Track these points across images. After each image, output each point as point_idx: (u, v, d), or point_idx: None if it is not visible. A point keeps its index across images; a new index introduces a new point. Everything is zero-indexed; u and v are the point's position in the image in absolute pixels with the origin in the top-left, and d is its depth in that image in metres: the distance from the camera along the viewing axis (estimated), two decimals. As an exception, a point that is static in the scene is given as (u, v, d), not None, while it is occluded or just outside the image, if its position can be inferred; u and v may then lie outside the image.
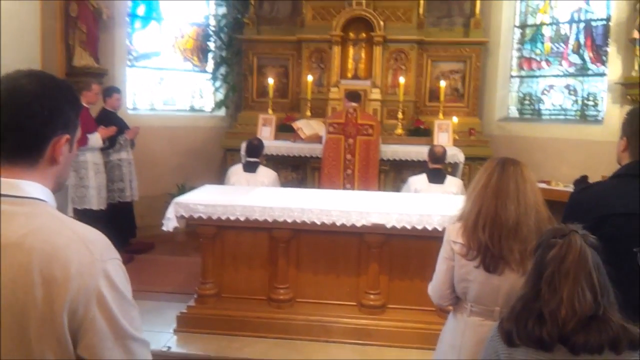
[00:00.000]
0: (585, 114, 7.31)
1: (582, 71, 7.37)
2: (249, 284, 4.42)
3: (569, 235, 1.64)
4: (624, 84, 6.44)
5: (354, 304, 4.35)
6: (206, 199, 4.39)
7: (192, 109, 8.61)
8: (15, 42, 5.59)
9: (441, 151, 5.46)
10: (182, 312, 4.41)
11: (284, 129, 7.34)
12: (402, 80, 7.20)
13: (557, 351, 1.60)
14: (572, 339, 1.58)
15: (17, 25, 5.66)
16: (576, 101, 7.42)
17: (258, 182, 5.46)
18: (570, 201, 2.38)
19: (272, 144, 6.83)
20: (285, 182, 6.77)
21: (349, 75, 7.60)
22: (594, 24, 7.23)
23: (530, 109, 7.89)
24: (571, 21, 7.45)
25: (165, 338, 4.24)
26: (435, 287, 2.48)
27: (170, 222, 4.31)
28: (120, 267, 1.25)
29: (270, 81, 7.53)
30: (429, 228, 4.07)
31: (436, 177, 5.35)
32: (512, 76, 8.00)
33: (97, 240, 1.24)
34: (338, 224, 4.15)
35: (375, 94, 7.31)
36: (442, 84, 7.32)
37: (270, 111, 7.47)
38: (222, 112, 8.49)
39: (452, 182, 5.45)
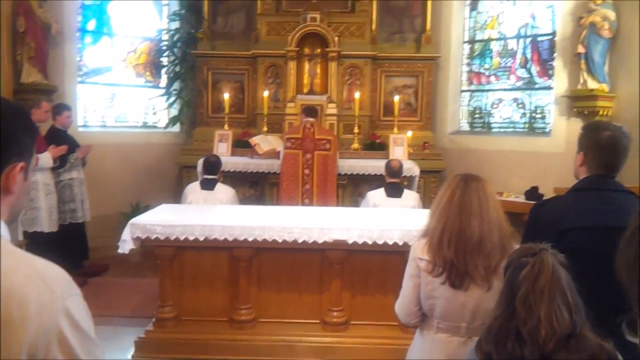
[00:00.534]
0: (533, 127, 7.56)
1: (530, 85, 7.62)
2: (210, 305, 4.34)
3: (540, 254, 1.64)
4: (570, 97, 6.68)
5: (317, 321, 4.34)
6: (164, 219, 4.30)
7: (145, 126, 8.44)
8: (-42, 58, 5.37)
9: (398, 165, 5.54)
10: (140, 337, 4.29)
11: (241, 145, 7.28)
12: (357, 95, 7.29)
13: None
14: (553, 358, 1.58)
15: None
16: (524, 114, 7.66)
17: (216, 199, 5.39)
18: (530, 216, 2.44)
19: (229, 160, 6.77)
20: (243, 199, 6.70)
21: (305, 90, 7.63)
22: (540, 38, 7.50)
23: (480, 122, 8.11)
24: (518, 36, 7.72)
25: (124, 364, 4.12)
26: (402, 305, 2.49)
27: (126, 245, 4.20)
28: (81, 303, 1.19)
29: (226, 96, 7.47)
30: (390, 243, 4.11)
31: (394, 191, 5.41)
32: (462, 90, 8.21)
33: (56, 276, 1.17)
34: (300, 241, 4.13)
35: (332, 109, 7.36)
36: (396, 98, 7.44)
37: (226, 127, 7.40)
38: (176, 128, 8.36)
39: (410, 196, 5.53)
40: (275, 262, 4.33)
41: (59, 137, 6.04)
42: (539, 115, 7.51)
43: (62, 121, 6.22)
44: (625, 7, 6.22)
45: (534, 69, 7.56)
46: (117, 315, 5.04)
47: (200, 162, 6.01)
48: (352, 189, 7.02)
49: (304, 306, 4.33)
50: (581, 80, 6.46)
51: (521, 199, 6.43)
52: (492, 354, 1.66)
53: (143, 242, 4.32)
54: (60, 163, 5.96)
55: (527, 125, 7.64)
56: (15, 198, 1.26)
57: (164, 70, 8.42)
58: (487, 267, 2.25)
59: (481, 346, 1.71)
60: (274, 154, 6.81)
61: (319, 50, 7.57)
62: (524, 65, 7.66)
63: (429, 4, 7.63)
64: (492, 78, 8.00)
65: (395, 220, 4.42)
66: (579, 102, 6.56)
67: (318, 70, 7.65)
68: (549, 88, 7.31)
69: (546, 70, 7.42)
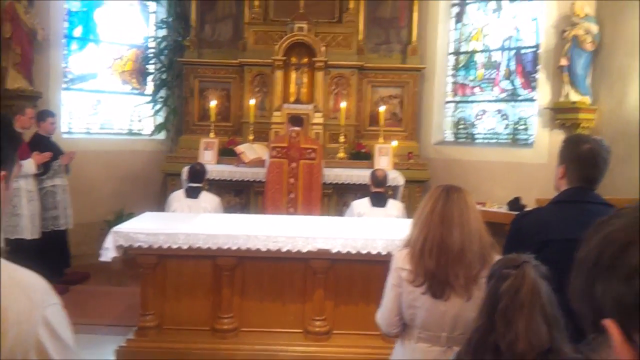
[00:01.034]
0: (516, 138, 7.64)
1: (513, 97, 7.71)
2: (192, 314, 4.31)
3: (522, 266, 1.64)
4: (553, 109, 6.77)
5: (300, 331, 4.33)
6: (147, 228, 4.27)
7: (130, 133, 8.40)
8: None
9: (382, 175, 5.57)
10: (121, 346, 4.25)
11: (227, 153, 7.27)
12: (343, 104, 7.32)
13: None
14: None
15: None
16: (508, 125, 7.74)
17: (200, 207, 5.37)
18: (512, 227, 2.47)
19: (215, 169, 6.75)
20: (228, 207, 6.68)
21: (292, 99, 7.65)
22: (523, 51, 7.60)
23: (464, 133, 8.18)
24: (502, 48, 7.82)
25: (104, 374, 4.07)
26: (384, 315, 2.50)
27: (108, 253, 4.17)
28: (60, 312, 1.19)
29: (212, 104, 7.46)
30: (373, 252, 4.12)
31: (378, 200, 5.43)
32: (447, 101, 8.28)
33: (35, 285, 1.16)
34: (284, 250, 4.13)
35: (318, 118, 7.38)
36: (382, 108, 7.48)
37: (212, 135, 7.39)
38: (162, 135, 8.33)
39: (394, 205, 5.55)
40: (259, 271, 4.32)
41: (43, 143, 5.99)
42: (522, 127, 7.59)
43: (46, 128, 6.17)
44: (608, 21, 6.33)
45: (518, 81, 7.66)
46: (99, 323, 4.98)
47: (185, 170, 5.99)
48: (337, 198, 7.03)
49: (287, 315, 4.32)
50: (564, 93, 6.55)
51: (504, 209, 6.48)
52: None
53: (125, 250, 4.29)
54: (44, 170, 5.90)
55: (510, 137, 7.72)
56: None
57: (150, 78, 8.39)
58: (467, 277, 2.27)
59: (460, 358, 1.72)
60: (259, 163, 6.81)
61: (305, 60, 7.60)
62: (508, 77, 7.75)
63: (415, 15, 7.72)
64: (477, 89, 8.08)
65: (379, 230, 4.44)
66: (561, 114, 6.65)
67: (305, 80, 7.68)
68: (532, 100, 7.40)
69: (529, 82, 7.51)
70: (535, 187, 6.17)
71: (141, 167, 7.86)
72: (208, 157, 7.11)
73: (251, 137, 7.33)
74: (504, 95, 7.81)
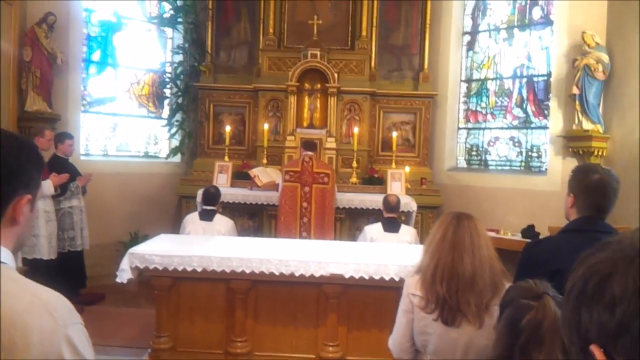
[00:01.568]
0: (529, 165, 7.66)
1: (526, 124, 7.75)
2: (206, 337, 4.34)
3: (543, 298, 1.62)
4: (566, 137, 6.80)
5: (313, 356, 4.33)
6: (162, 250, 4.34)
7: (147, 155, 8.54)
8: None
9: (395, 200, 5.60)
10: (135, 367, 4.29)
11: (240, 177, 7.37)
12: (356, 130, 7.42)
13: None
14: None
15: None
16: (520, 153, 7.78)
17: (214, 230, 5.43)
18: (522, 255, 2.50)
19: (229, 192, 6.84)
20: (241, 230, 6.75)
21: (305, 124, 7.76)
22: (535, 79, 7.67)
23: (477, 159, 8.21)
24: (514, 76, 7.89)
25: (117, 395, 4.10)
26: (395, 341, 2.53)
27: (124, 274, 4.23)
28: (82, 332, 1.23)
29: (227, 129, 7.60)
30: (386, 278, 4.14)
31: (391, 226, 5.46)
32: (459, 128, 8.34)
33: (59, 305, 1.22)
34: (297, 274, 4.17)
35: (331, 143, 7.47)
36: (394, 134, 7.57)
37: (226, 158, 7.50)
38: (177, 158, 8.44)
39: (407, 231, 5.58)
40: (272, 295, 4.36)
41: (61, 165, 6.11)
42: (535, 154, 7.62)
43: (64, 149, 6.30)
44: (618, 50, 6.39)
45: (530, 109, 7.71)
46: (113, 344, 5.02)
47: (200, 192, 6.08)
48: (349, 223, 7.07)
49: (300, 340, 4.34)
50: (576, 121, 6.58)
51: (518, 237, 6.47)
52: None
53: (141, 271, 4.36)
54: (61, 191, 6.01)
55: (523, 164, 7.74)
56: (21, 228, 1.31)
57: (166, 102, 8.56)
58: (478, 305, 2.30)
59: None
60: (273, 186, 6.88)
61: (318, 86, 7.72)
62: (520, 104, 7.81)
63: (427, 43, 7.84)
64: (489, 116, 8.14)
65: (392, 255, 4.46)
66: (574, 142, 6.67)
67: (318, 105, 7.79)
68: (544, 127, 7.44)
69: (542, 110, 7.56)
70: (549, 215, 6.17)
71: (156, 189, 7.97)
72: (222, 180, 7.21)
73: (265, 161, 7.43)
74: (516, 122, 7.86)
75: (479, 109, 8.23)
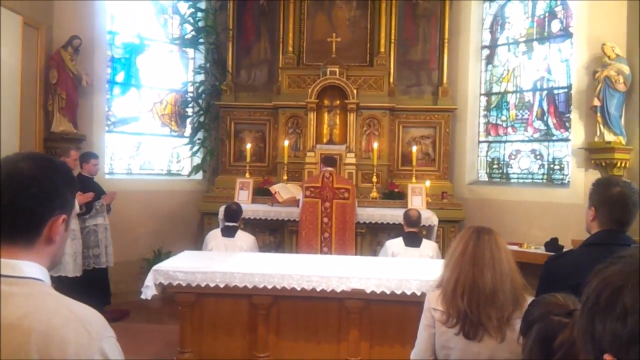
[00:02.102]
0: (551, 178, 7.59)
1: (547, 137, 7.71)
2: (229, 352, 4.37)
3: (574, 315, 1.55)
4: (588, 149, 6.73)
5: (335, 371, 4.34)
6: (185, 266, 4.40)
7: (169, 173, 8.67)
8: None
9: (416, 215, 5.60)
10: (160, 383, 4.33)
11: (261, 193, 7.44)
12: (375, 145, 7.45)
13: None
14: None
15: (-3, 91, 5.74)
16: (542, 165, 7.72)
17: (236, 246, 5.49)
18: (544, 270, 2.49)
19: (250, 208, 6.89)
20: (262, 246, 6.79)
21: (325, 140, 7.82)
22: (556, 92, 7.63)
23: (498, 172, 8.17)
24: (534, 89, 7.86)
25: (142, 410, 4.15)
26: (417, 355, 2.53)
27: (149, 290, 4.29)
28: (115, 345, 1.29)
29: (248, 146, 7.70)
30: (408, 293, 4.14)
31: (412, 240, 5.45)
32: (480, 141, 8.32)
33: (93, 319, 1.27)
34: (318, 289, 4.19)
35: (350, 159, 7.51)
36: (414, 148, 7.59)
37: (247, 175, 7.59)
38: (199, 176, 8.56)
39: (428, 246, 5.56)
40: (294, 311, 4.38)
41: (86, 184, 6.23)
42: (557, 167, 7.56)
43: (89, 169, 6.43)
44: (639, 62, 6.34)
45: (551, 121, 7.66)
46: (137, 360, 5.08)
47: (222, 209, 6.15)
48: (370, 238, 7.07)
49: (322, 355, 4.34)
50: (598, 133, 6.52)
51: (541, 250, 6.41)
52: None
53: (164, 288, 4.42)
54: (86, 209, 6.14)
55: (545, 177, 7.68)
56: (56, 248, 1.38)
57: (188, 120, 8.70)
58: (500, 319, 2.30)
59: None
60: (293, 202, 6.93)
61: (338, 102, 7.79)
62: (541, 117, 7.77)
63: (446, 58, 7.88)
64: (510, 129, 8.11)
65: (414, 270, 4.46)
66: (596, 154, 6.61)
67: (337, 121, 7.86)
68: (566, 140, 7.38)
69: (563, 122, 7.51)
70: (572, 228, 6.10)
71: (179, 206, 8.07)
72: (243, 197, 7.28)
73: (285, 177, 7.49)
74: (537, 135, 7.82)
75: (499, 122, 8.20)
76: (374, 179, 7.41)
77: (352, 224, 6.57)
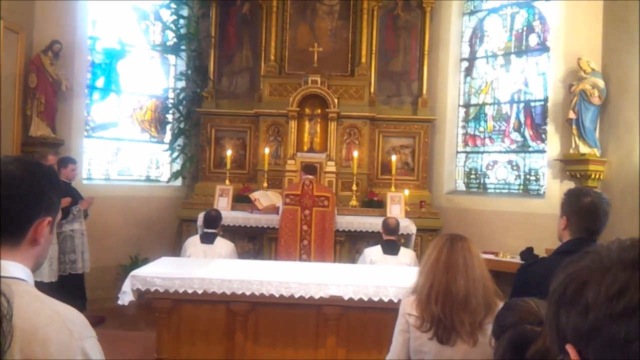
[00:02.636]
0: (527, 188, 7.73)
1: (524, 148, 7.84)
2: (206, 359, 4.35)
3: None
4: (563, 161, 6.87)
5: (312, 378, 4.34)
6: (163, 272, 4.38)
7: (148, 179, 8.62)
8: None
9: (394, 223, 5.65)
10: (135, 390, 4.29)
11: (241, 200, 7.44)
12: (355, 154, 7.51)
13: None
14: None
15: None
16: (519, 176, 7.85)
17: (215, 253, 5.48)
18: (517, 277, 2.55)
19: (229, 215, 6.89)
20: (242, 253, 6.78)
21: (305, 148, 7.86)
22: (532, 104, 7.78)
23: (476, 183, 8.29)
24: (511, 101, 8.01)
25: (117, 418, 4.11)
26: (392, 358, 2.57)
27: (126, 296, 4.25)
28: (96, 345, 1.32)
29: (228, 152, 7.70)
30: (385, 300, 4.17)
31: (390, 248, 5.50)
32: (458, 152, 8.44)
33: (76, 319, 1.30)
34: (297, 296, 4.20)
35: (331, 167, 7.56)
36: (393, 158, 7.67)
37: (227, 182, 7.58)
38: (178, 182, 8.53)
39: (406, 254, 5.61)
40: (272, 317, 4.38)
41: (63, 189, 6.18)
42: (533, 178, 7.69)
43: (67, 174, 6.36)
44: (614, 76, 6.50)
45: (528, 133, 7.81)
46: (112, 368, 5.03)
47: (201, 216, 6.14)
48: (349, 246, 7.11)
49: (299, 362, 4.35)
50: (573, 145, 6.66)
51: (517, 259, 6.50)
52: None
53: (141, 294, 4.39)
54: (63, 214, 6.07)
55: (521, 187, 7.81)
56: (40, 249, 1.40)
57: (168, 127, 8.67)
58: (472, 323, 2.35)
59: None
60: (273, 210, 6.94)
61: (319, 111, 7.85)
62: (518, 129, 7.91)
63: (426, 69, 7.99)
64: (487, 140, 8.24)
65: (391, 277, 4.50)
66: (571, 165, 6.74)
67: (318, 130, 7.91)
68: (542, 151, 7.52)
69: (539, 134, 7.66)
70: (547, 238, 6.19)
71: (157, 213, 8.03)
72: (223, 204, 7.27)
73: (265, 185, 7.51)
74: (514, 146, 7.95)
75: (477, 133, 8.33)
76: (354, 187, 7.47)
77: (332, 231, 6.61)
